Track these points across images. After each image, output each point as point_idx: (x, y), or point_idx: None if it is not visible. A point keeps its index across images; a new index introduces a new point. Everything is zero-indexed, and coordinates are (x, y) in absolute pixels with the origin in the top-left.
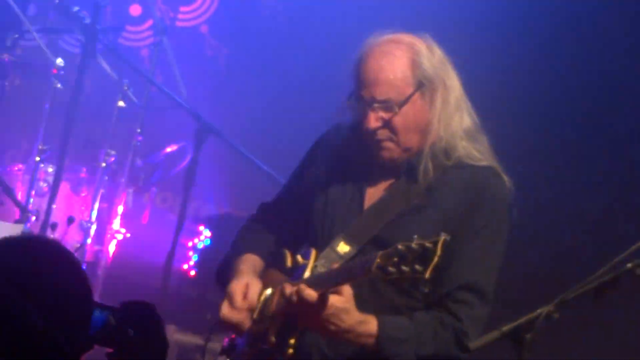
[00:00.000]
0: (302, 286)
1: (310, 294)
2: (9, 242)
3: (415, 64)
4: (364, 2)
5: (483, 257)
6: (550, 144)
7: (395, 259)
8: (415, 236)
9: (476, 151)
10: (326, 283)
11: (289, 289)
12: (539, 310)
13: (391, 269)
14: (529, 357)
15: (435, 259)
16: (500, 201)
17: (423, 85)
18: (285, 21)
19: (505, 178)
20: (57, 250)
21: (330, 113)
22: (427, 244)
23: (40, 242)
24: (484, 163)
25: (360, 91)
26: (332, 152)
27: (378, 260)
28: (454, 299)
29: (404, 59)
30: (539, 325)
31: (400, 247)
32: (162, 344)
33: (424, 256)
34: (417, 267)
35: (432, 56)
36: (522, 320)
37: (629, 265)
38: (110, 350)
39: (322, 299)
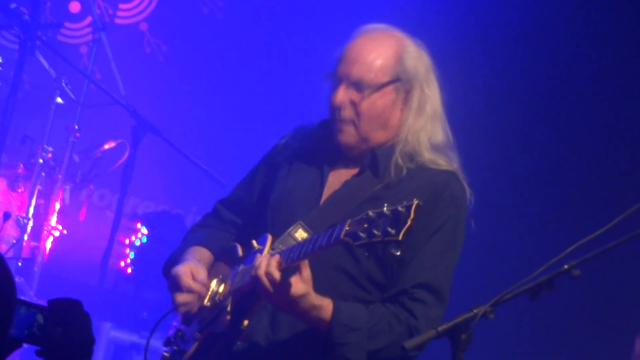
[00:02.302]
0: (272, 260)
1: (276, 274)
2: None
3: (399, 58)
4: None
5: (441, 257)
6: (488, 141)
7: (365, 225)
8: (385, 204)
9: (441, 160)
10: (288, 258)
11: (258, 259)
12: (475, 310)
13: (361, 234)
14: (463, 357)
15: (409, 222)
16: (460, 203)
17: (400, 79)
18: (224, 19)
19: (466, 186)
20: None
21: (269, 113)
22: (400, 208)
23: None
24: (447, 168)
25: (338, 67)
26: (294, 146)
27: (347, 227)
28: (411, 296)
29: (390, 49)
30: (474, 325)
31: (370, 213)
32: (89, 341)
33: (396, 219)
34: (390, 229)
35: (418, 59)
36: (458, 319)
37: (566, 266)
38: (38, 348)
39: (285, 278)
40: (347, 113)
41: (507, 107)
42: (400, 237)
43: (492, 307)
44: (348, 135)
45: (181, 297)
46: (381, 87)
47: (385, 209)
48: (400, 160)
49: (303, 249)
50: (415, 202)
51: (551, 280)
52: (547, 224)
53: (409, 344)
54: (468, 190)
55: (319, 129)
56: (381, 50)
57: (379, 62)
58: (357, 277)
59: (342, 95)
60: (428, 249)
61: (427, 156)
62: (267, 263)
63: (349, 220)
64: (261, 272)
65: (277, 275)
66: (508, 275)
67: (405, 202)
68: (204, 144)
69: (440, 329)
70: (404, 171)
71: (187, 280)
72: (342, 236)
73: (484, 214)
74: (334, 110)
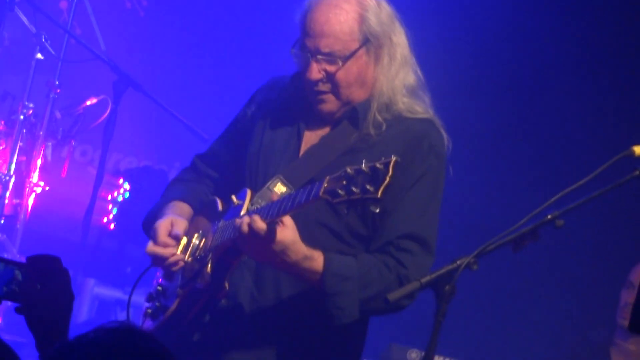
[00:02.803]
0: (254, 216)
1: (261, 224)
2: None
3: (362, 19)
4: None
5: (424, 207)
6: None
7: (344, 182)
8: (364, 160)
9: (417, 106)
10: (268, 214)
11: (238, 219)
12: (458, 262)
13: (340, 191)
14: (447, 308)
15: (387, 179)
16: (439, 151)
17: (369, 41)
18: None
19: (444, 133)
20: None
21: (250, 67)
22: (378, 165)
23: None
24: (424, 116)
25: (305, 40)
26: (270, 98)
27: (325, 184)
28: (397, 247)
29: (351, 13)
30: (457, 276)
31: (348, 170)
32: (68, 297)
33: (374, 177)
34: (368, 187)
35: (380, 12)
36: (441, 271)
37: (549, 216)
38: (17, 305)
39: (271, 230)
40: (325, 85)
41: (492, 49)
42: (379, 195)
43: (475, 258)
44: (330, 104)
45: (156, 250)
46: (353, 53)
47: (363, 165)
48: (377, 115)
49: (282, 206)
50: (393, 158)
51: (535, 231)
52: (530, 173)
53: (393, 295)
54: (446, 137)
55: (292, 82)
56: (343, 16)
57: (345, 30)
58: (340, 231)
59: (316, 70)
60: (410, 199)
61: (403, 104)
62: (248, 219)
63: (327, 177)
64: (245, 227)
65: (262, 225)
66: (491, 226)
67: (383, 159)
68: (186, 98)
69: (423, 280)
70: (383, 126)
71: (162, 235)
72: (320, 193)
73: (466, 164)
74: (310, 84)
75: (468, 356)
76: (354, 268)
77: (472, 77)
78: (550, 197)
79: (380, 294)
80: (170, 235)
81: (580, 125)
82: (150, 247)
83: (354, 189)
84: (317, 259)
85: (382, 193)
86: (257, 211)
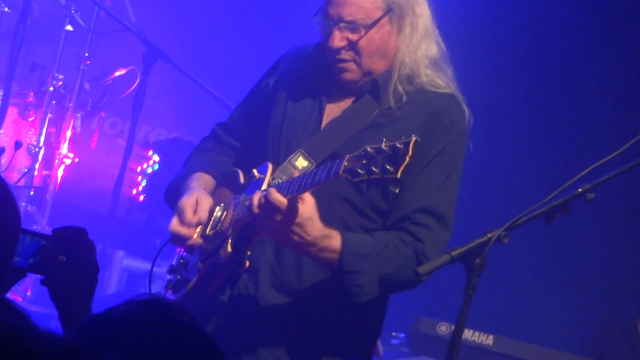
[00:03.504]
0: (272, 190)
1: (280, 198)
2: None
3: None
4: None
5: (442, 182)
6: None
7: (364, 161)
8: (384, 139)
9: (439, 79)
10: (289, 190)
11: (256, 194)
12: (488, 235)
13: (360, 170)
14: (477, 281)
15: (407, 159)
16: (459, 127)
17: (392, 10)
18: None
19: (465, 108)
20: None
21: (280, 38)
22: (398, 145)
23: None
24: (445, 91)
25: (327, 9)
26: (293, 68)
27: (345, 163)
28: (414, 221)
29: None
30: (488, 249)
31: (368, 149)
32: (93, 268)
33: (394, 156)
34: (388, 167)
35: None
36: (472, 244)
37: (580, 189)
38: (43, 277)
39: (291, 205)
40: (347, 53)
41: (518, 19)
42: (398, 175)
43: (505, 231)
44: (351, 73)
45: (181, 231)
46: (376, 22)
47: (383, 144)
48: (399, 86)
49: (302, 183)
50: (414, 138)
51: (565, 204)
52: (561, 146)
53: (422, 269)
54: (467, 112)
55: (315, 53)
56: None
57: None
58: (361, 206)
59: (339, 38)
60: (428, 174)
61: (426, 76)
62: (268, 194)
63: (348, 156)
64: (263, 202)
65: (281, 199)
66: (522, 199)
67: (403, 138)
68: (215, 70)
69: (454, 253)
70: (404, 97)
71: (188, 214)
72: (340, 172)
73: (496, 138)
74: (333, 52)
75: (497, 330)
76: (371, 245)
77: (500, 47)
78: (581, 170)
79: (398, 270)
80: (195, 214)
81: (612, 98)
82: (175, 225)
83: (374, 168)
84: (334, 237)
85: (402, 173)
86: (277, 187)
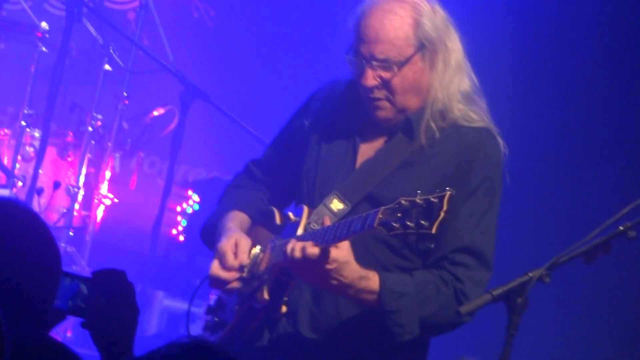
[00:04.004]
0: (308, 243)
1: (314, 250)
2: None
3: (417, 25)
4: None
5: (480, 219)
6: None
7: (399, 214)
8: (418, 191)
9: (472, 113)
10: (323, 239)
11: (290, 244)
12: (530, 274)
13: (395, 224)
14: (519, 320)
15: (442, 214)
16: (494, 161)
17: (424, 46)
18: None
19: (500, 140)
20: (25, 215)
21: (318, 75)
22: (432, 199)
23: (8, 205)
24: (479, 125)
25: (359, 47)
26: (327, 107)
27: (380, 215)
28: (452, 261)
29: (406, 18)
30: (529, 289)
31: (403, 202)
32: (133, 311)
33: (429, 211)
34: (423, 222)
35: (434, 17)
36: (514, 283)
37: (621, 227)
38: (83, 319)
39: (325, 254)
40: (380, 92)
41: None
42: (433, 231)
43: (547, 270)
44: (385, 111)
45: (222, 275)
46: (408, 59)
47: (418, 198)
48: (431, 122)
49: (337, 233)
50: (448, 192)
51: (607, 243)
52: (602, 184)
53: (464, 308)
54: (502, 145)
55: (348, 91)
56: (399, 22)
57: (400, 36)
58: (398, 246)
59: (371, 77)
60: (465, 212)
61: (458, 111)
62: (301, 245)
63: (382, 208)
64: (297, 254)
65: (314, 250)
66: (562, 238)
67: (438, 192)
68: (254, 109)
69: (495, 292)
70: (437, 134)
71: (229, 259)
72: (375, 224)
73: (537, 175)
74: (366, 91)
75: None
76: (411, 285)
77: (534, 79)
78: (623, 207)
79: (439, 310)
80: (236, 258)
81: None
82: (216, 270)
83: (408, 222)
84: (372, 278)
85: (437, 228)
86: (312, 235)
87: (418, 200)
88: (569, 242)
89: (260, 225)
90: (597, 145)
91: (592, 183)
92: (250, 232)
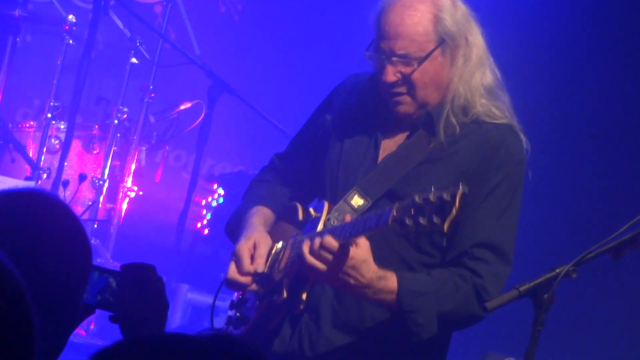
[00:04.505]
0: (327, 237)
1: (332, 243)
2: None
3: (437, 20)
4: None
5: (500, 215)
6: (572, 99)
7: (412, 211)
8: (432, 188)
9: (495, 109)
10: (340, 236)
11: (307, 240)
12: (557, 270)
13: (408, 221)
14: (545, 316)
15: (454, 212)
16: (516, 159)
17: (444, 41)
18: None
19: (523, 137)
20: (56, 206)
21: (344, 69)
22: (445, 196)
23: (38, 196)
24: (501, 121)
25: (379, 43)
26: (349, 102)
27: (394, 212)
28: (472, 256)
29: (426, 13)
30: (556, 285)
31: (416, 199)
32: (163, 306)
33: (441, 208)
34: (435, 219)
35: (455, 12)
36: (540, 279)
37: None
38: (111, 314)
39: (343, 250)
40: (401, 87)
41: (575, 42)
42: (445, 229)
43: (574, 266)
44: (406, 106)
45: (238, 279)
46: (428, 55)
47: (431, 195)
48: (452, 118)
49: (354, 229)
50: (460, 190)
51: (635, 239)
52: (631, 179)
53: (491, 304)
54: (525, 141)
55: (370, 85)
56: (418, 17)
57: (420, 31)
58: (419, 242)
59: (392, 74)
60: (485, 208)
61: (481, 106)
62: (320, 240)
63: (396, 205)
64: (314, 247)
65: (334, 243)
66: (590, 235)
67: (451, 188)
68: (281, 103)
69: (522, 288)
70: (457, 129)
71: (246, 263)
72: (389, 221)
73: (564, 171)
74: (386, 86)
75: None
76: (429, 284)
77: (559, 72)
78: None
79: (458, 307)
80: (252, 263)
81: None
82: (232, 273)
83: (421, 220)
84: (390, 278)
85: (449, 226)
86: (330, 231)
87: (431, 198)
88: (597, 238)
89: (284, 221)
90: (627, 139)
91: (621, 179)
92: (274, 228)
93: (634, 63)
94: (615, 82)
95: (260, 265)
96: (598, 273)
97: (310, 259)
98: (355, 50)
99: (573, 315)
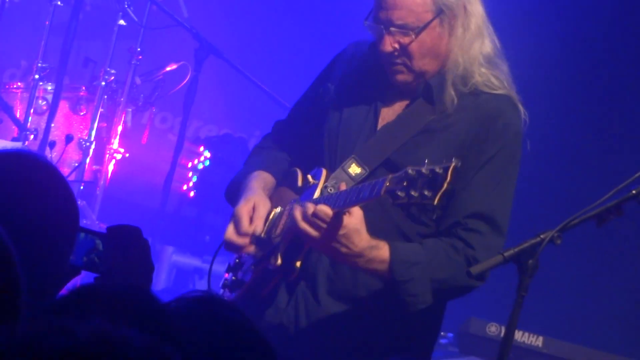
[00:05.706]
0: (320, 205)
1: (326, 211)
2: None
3: None
4: None
5: (495, 186)
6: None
7: (405, 183)
8: (426, 160)
9: (494, 78)
10: (335, 204)
11: (301, 207)
12: (541, 236)
13: (400, 193)
14: (529, 282)
15: (445, 186)
16: (514, 130)
17: (442, 11)
18: None
19: (521, 108)
20: (43, 167)
21: (333, 34)
22: (438, 170)
23: (26, 157)
24: (500, 91)
25: (378, 12)
26: (349, 70)
27: (387, 183)
28: (465, 227)
29: None
30: (541, 250)
31: (410, 171)
32: (148, 268)
33: (433, 182)
34: (426, 192)
35: None
36: (525, 245)
37: (634, 191)
38: (97, 275)
39: (336, 218)
40: (399, 57)
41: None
42: (435, 202)
43: (559, 232)
44: (404, 75)
45: (236, 240)
46: (426, 25)
47: (424, 168)
48: (451, 89)
49: (347, 199)
50: (453, 163)
51: (619, 206)
52: (614, 148)
53: (475, 269)
54: (523, 112)
55: (370, 54)
56: None
57: (418, 1)
58: (416, 212)
59: (390, 43)
60: (480, 179)
61: (480, 76)
62: (313, 208)
63: (390, 176)
64: (307, 214)
65: (328, 211)
66: (575, 200)
67: (444, 162)
68: (267, 66)
69: (506, 254)
70: (456, 100)
71: (244, 224)
72: (382, 193)
73: (549, 138)
74: (385, 56)
75: (547, 331)
76: (421, 253)
77: (559, 40)
78: (636, 171)
79: (450, 277)
80: (251, 224)
81: None
82: (230, 234)
83: (413, 192)
84: (382, 248)
85: (439, 199)
86: (324, 199)
87: (424, 171)
88: (581, 204)
89: (285, 186)
90: (614, 109)
91: (606, 146)
92: (274, 193)
93: (627, 24)
94: (616, 59)
95: (259, 227)
96: (583, 239)
97: (303, 225)
98: (346, 18)
99: (557, 281)
